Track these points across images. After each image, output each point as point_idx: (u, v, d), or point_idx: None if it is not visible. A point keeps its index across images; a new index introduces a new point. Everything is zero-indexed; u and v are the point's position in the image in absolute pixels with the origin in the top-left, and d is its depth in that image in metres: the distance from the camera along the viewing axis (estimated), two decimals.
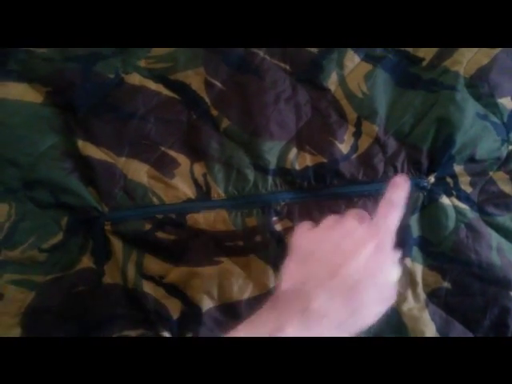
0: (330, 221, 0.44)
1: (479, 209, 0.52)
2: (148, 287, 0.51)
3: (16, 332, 0.50)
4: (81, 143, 0.52)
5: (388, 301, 0.42)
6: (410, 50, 0.53)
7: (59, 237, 0.51)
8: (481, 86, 0.52)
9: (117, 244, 0.52)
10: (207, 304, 0.50)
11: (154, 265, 0.51)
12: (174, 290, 0.50)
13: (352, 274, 0.39)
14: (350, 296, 0.39)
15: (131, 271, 0.51)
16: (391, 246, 0.42)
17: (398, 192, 0.44)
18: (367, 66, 0.54)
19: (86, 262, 0.51)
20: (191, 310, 0.50)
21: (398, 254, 0.44)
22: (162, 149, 0.53)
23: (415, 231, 0.51)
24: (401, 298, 0.51)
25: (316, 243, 0.42)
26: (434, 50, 0.53)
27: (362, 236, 0.41)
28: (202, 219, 0.51)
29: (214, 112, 0.53)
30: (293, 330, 0.37)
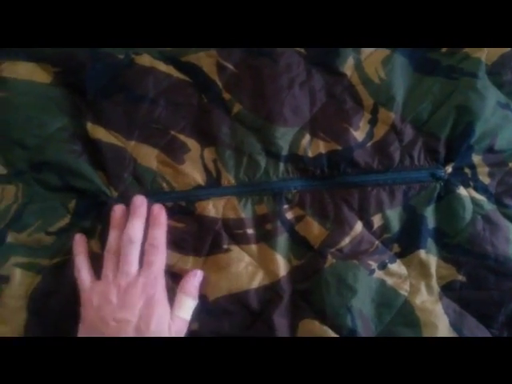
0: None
1: (497, 200, 0.50)
2: None
3: (22, 315, 0.49)
4: (90, 126, 0.51)
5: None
6: None
7: (66, 220, 0.50)
8: (503, 74, 0.50)
9: None
10: (215, 293, 0.49)
11: None
12: (180, 279, 0.49)
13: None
14: None
15: None
16: (163, 289, 0.46)
17: (158, 230, 0.47)
18: (385, 51, 0.52)
19: (93, 246, 0.50)
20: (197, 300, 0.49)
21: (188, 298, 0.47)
22: (172, 133, 0.51)
23: (430, 222, 0.50)
24: (414, 290, 0.50)
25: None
26: None
27: (133, 300, 0.43)
28: (212, 206, 0.50)
29: (226, 96, 0.52)
30: None
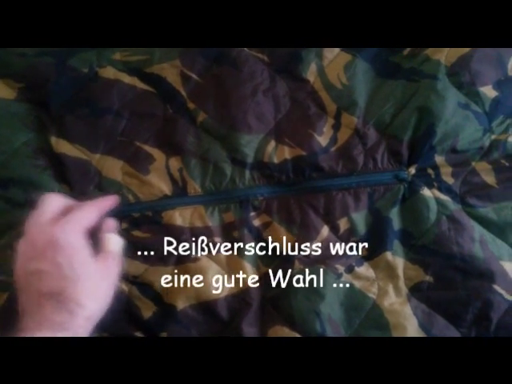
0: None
1: (461, 200, 0.51)
2: (121, 287, 0.49)
3: None
4: (54, 140, 0.51)
5: (114, 274, 0.44)
6: None
7: None
8: (462, 75, 0.51)
9: None
10: (183, 303, 0.49)
11: (127, 265, 0.49)
12: (148, 289, 0.49)
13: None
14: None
15: None
16: (79, 239, 0.42)
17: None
18: (347, 57, 0.53)
19: None
20: (165, 309, 0.49)
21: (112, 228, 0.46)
22: (137, 144, 0.52)
23: (396, 224, 0.50)
24: (382, 292, 0.50)
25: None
26: None
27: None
28: (179, 216, 0.51)
29: (191, 105, 0.52)
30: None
